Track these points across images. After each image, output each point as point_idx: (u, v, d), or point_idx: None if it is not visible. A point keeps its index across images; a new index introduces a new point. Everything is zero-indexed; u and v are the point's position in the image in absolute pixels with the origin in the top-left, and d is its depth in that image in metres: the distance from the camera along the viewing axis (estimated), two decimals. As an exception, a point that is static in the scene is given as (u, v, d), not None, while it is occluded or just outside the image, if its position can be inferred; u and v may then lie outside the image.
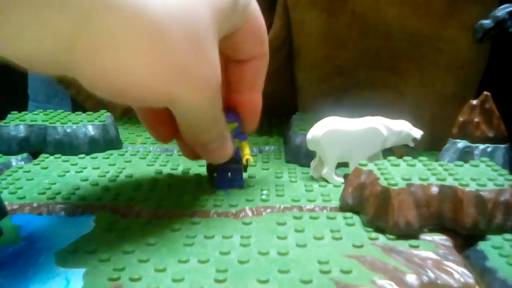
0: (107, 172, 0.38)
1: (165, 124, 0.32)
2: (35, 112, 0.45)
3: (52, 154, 0.42)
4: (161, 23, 0.24)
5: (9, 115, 0.44)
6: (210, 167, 0.36)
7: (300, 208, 0.32)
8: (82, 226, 0.30)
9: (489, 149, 0.36)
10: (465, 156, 0.36)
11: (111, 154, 0.43)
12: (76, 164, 0.40)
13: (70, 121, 0.44)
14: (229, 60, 0.32)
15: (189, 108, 0.28)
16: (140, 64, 0.24)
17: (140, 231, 0.29)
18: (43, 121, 0.43)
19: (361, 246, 0.27)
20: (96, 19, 0.22)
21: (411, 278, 0.24)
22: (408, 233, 0.28)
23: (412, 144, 0.36)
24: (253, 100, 0.33)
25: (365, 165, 0.32)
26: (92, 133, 0.43)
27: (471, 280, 0.25)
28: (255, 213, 0.32)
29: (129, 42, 0.23)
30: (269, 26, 0.46)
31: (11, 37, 0.21)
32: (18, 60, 0.23)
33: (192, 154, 0.34)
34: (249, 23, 0.30)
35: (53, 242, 0.28)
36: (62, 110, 0.47)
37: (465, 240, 0.29)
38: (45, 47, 0.22)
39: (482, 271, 0.25)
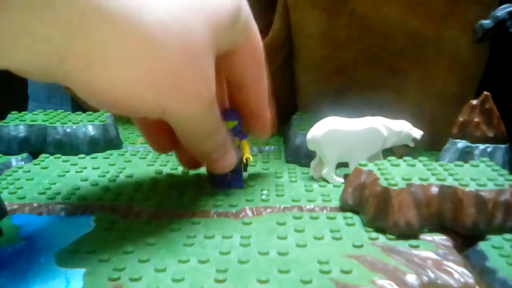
0: (107, 172, 0.38)
1: (162, 134, 0.32)
2: (35, 112, 0.45)
3: (52, 154, 0.42)
4: (153, 36, 0.24)
5: (9, 115, 0.45)
6: (210, 167, 0.36)
7: (300, 208, 0.32)
8: (82, 226, 0.30)
9: (489, 149, 0.36)
10: (465, 156, 0.36)
11: (111, 154, 0.43)
12: (76, 164, 0.40)
13: (70, 121, 0.44)
14: (231, 86, 0.32)
15: (183, 120, 0.28)
16: (131, 76, 0.24)
17: (140, 231, 0.29)
18: (43, 121, 0.43)
19: (361, 246, 0.27)
20: (88, 31, 0.22)
21: (411, 278, 0.24)
22: (408, 233, 0.28)
23: (412, 144, 0.36)
24: (262, 118, 0.34)
25: (365, 165, 0.32)
26: (92, 133, 0.43)
27: (471, 280, 0.25)
28: (255, 213, 0.32)
29: (121, 54, 0.23)
30: (269, 26, 0.46)
31: (4, 50, 0.21)
32: (12, 70, 0.23)
33: (189, 163, 0.34)
34: (248, 44, 0.30)
35: (53, 242, 0.28)
36: (62, 110, 0.47)
37: (465, 240, 0.29)
38: (38, 59, 0.22)
39: (482, 271, 0.25)
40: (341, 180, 0.36)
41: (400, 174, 0.30)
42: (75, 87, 0.24)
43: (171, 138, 0.31)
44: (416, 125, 0.36)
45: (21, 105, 0.73)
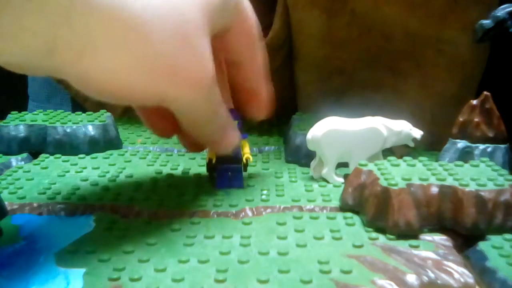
0: (107, 172, 0.38)
1: (164, 118, 0.31)
2: (35, 112, 0.45)
3: (52, 154, 0.42)
4: (141, 21, 0.23)
5: (9, 115, 0.44)
6: (210, 167, 0.36)
7: (300, 208, 0.32)
8: (82, 226, 0.30)
9: (489, 149, 0.36)
10: (465, 156, 0.36)
11: (111, 154, 0.43)
12: (76, 164, 0.40)
13: (70, 121, 0.44)
14: (228, 68, 0.32)
15: (184, 106, 0.27)
16: (123, 65, 0.24)
17: (140, 231, 0.29)
18: (43, 121, 0.43)
19: (361, 246, 0.27)
20: (75, 21, 0.22)
21: (411, 278, 0.24)
22: (408, 233, 0.28)
23: (412, 144, 0.36)
24: (258, 96, 0.33)
25: (365, 165, 0.32)
26: (92, 133, 0.43)
27: (471, 280, 0.25)
28: (255, 213, 0.32)
29: (110, 42, 0.23)
30: (269, 26, 0.46)
31: None
32: (3, 65, 0.23)
33: (193, 146, 0.34)
34: (241, 22, 0.30)
35: (53, 242, 0.28)
36: (62, 110, 0.47)
37: (465, 240, 0.29)
38: (27, 52, 0.22)
39: (482, 271, 0.25)
40: (341, 180, 0.36)
41: (400, 174, 0.30)
42: (69, 79, 0.24)
43: (173, 122, 0.30)
44: (416, 125, 0.36)
45: (21, 105, 0.73)
